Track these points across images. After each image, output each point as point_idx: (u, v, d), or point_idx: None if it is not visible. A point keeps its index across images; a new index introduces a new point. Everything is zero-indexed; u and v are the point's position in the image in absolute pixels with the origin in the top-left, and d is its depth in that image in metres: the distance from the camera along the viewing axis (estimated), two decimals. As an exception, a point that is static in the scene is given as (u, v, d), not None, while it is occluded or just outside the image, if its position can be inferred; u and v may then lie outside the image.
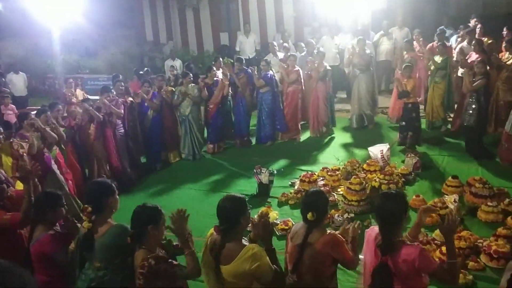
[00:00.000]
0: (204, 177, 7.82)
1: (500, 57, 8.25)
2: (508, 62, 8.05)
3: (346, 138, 9.32)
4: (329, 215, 5.92)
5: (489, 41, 9.48)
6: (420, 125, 8.22)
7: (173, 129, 8.83)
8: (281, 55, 10.41)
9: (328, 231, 3.20)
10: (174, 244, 3.22)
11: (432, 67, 8.98)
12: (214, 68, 9.31)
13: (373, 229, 3.07)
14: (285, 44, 11.17)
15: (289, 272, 3.20)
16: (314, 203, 3.13)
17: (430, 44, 9.98)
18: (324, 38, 11.61)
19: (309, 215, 3.08)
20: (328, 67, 9.37)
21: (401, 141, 8.17)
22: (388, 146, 7.53)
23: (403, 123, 8.12)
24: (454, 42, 10.21)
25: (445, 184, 6.46)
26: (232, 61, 9.99)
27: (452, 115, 9.13)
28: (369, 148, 7.65)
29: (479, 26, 10.42)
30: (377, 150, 7.41)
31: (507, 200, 5.82)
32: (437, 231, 5.07)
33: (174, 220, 2.98)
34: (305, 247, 3.10)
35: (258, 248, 2.88)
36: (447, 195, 6.07)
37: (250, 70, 9.15)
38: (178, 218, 2.98)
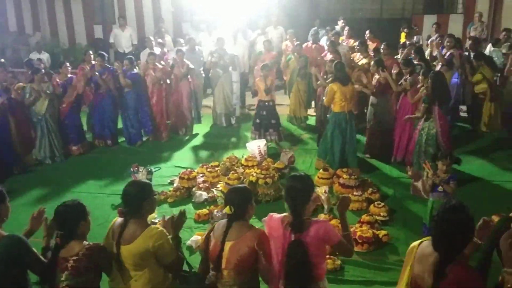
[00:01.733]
0: (78, 179, 7.35)
1: (352, 57, 8.99)
2: (359, 63, 8.77)
3: (217, 136, 9.36)
4: (208, 211, 5.98)
5: (355, 43, 10.26)
6: (278, 121, 8.52)
7: (26, 131, 8.02)
8: (157, 50, 10.17)
9: (257, 227, 3.15)
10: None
11: (292, 66, 9.48)
12: (68, 64, 8.73)
13: (272, 218, 3.14)
14: (160, 40, 10.94)
15: (211, 270, 3.12)
16: (233, 199, 3.07)
17: (305, 44, 10.50)
18: (202, 34, 11.61)
19: (226, 209, 3.05)
20: (191, 66, 9.33)
21: (258, 138, 8.28)
22: (265, 142, 7.77)
23: (258, 120, 8.36)
24: (324, 42, 10.84)
25: (317, 177, 6.84)
26: (106, 55, 9.51)
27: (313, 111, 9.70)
28: (247, 144, 7.81)
29: (346, 28, 11.24)
30: (255, 146, 7.60)
31: (371, 189, 6.35)
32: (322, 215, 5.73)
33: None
34: (224, 242, 3.04)
35: (162, 229, 3.01)
36: (318, 186, 6.42)
37: (112, 68, 8.80)
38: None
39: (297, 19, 14.09)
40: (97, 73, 8.56)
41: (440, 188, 4.94)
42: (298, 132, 9.32)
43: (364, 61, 8.76)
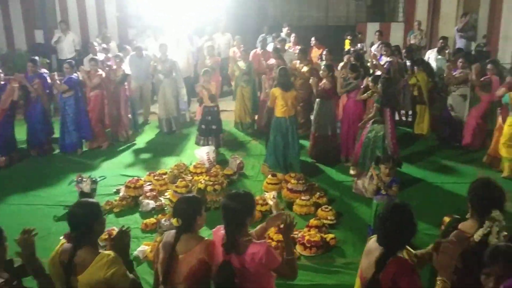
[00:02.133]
0: (15, 191, 6.98)
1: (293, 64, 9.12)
2: (302, 70, 8.93)
3: (163, 142, 9.19)
4: (155, 220, 5.86)
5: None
6: (221, 127, 8.50)
7: None
8: (102, 56, 9.91)
9: (206, 238, 3.04)
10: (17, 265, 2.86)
11: (236, 72, 9.52)
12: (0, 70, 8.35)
13: (217, 232, 3.07)
14: (104, 45, 10.67)
15: (161, 283, 2.99)
16: (181, 210, 2.97)
17: (253, 51, 10.56)
18: (148, 40, 11.43)
19: (174, 221, 2.95)
20: (128, 72, 9.17)
21: (203, 142, 8.21)
22: (213, 148, 7.72)
23: (203, 126, 8.33)
24: (271, 49, 10.93)
25: (265, 182, 6.87)
26: (48, 61, 9.18)
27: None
28: (196, 151, 7.74)
29: (293, 35, 11.42)
30: (203, 152, 7.53)
31: (318, 193, 6.45)
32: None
33: (21, 242, 2.78)
34: (173, 256, 2.92)
35: (114, 255, 2.75)
36: (267, 192, 6.45)
37: (45, 74, 8.49)
38: (26, 239, 2.78)
39: (245, 26, 14.18)
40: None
41: (383, 191, 5.09)
42: (246, 138, 9.33)
43: (305, 68, 8.91)
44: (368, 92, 7.02)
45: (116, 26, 14.08)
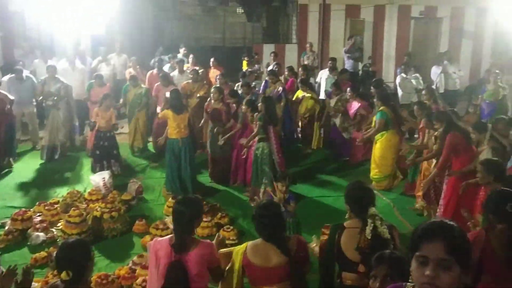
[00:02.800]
0: None
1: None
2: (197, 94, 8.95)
3: (53, 170, 8.55)
4: (47, 253, 5.44)
5: (200, 70, 10.48)
6: (119, 151, 8.32)
7: None
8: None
9: None
10: None
11: (131, 94, 9.30)
12: None
13: (158, 240, 3.28)
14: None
15: None
16: (69, 259, 2.61)
17: (150, 72, 10.38)
18: (37, 61, 10.78)
19: (63, 275, 2.55)
20: (11, 97, 8.48)
21: (100, 170, 7.92)
22: (110, 173, 7.41)
23: (98, 151, 8.07)
24: (167, 69, 10.86)
25: (166, 205, 6.72)
26: None
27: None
28: (91, 177, 7.37)
29: (191, 56, 11.44)
30: (99, 178, 7.19)
31: (219, 214, 6.44)
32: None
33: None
34: None
35: None
36: (168, 216, 6.32)
37: None
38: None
39: (141, 46, 13.94)
40: None
41: (282, 208, 5.21)
42: (143, 161, 9.07)
43: (199, 89, 8.98)
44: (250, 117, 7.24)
45: (0, 47, 13.09)
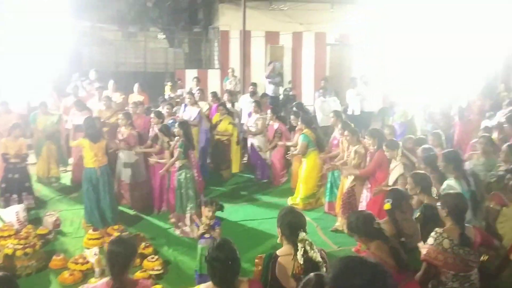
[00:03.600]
0: None
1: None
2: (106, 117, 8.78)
3: None
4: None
5: (122, 96, 10.26)
6: (30, 183, 7.94)
7: None
8: None
9: None
10: None
11: (40, 126, 8.95)
12: None
13: (96, 285, 3.13)
14: None
15: None
16: None
17: (65, 98, 10.00)
18: None
19: None
20: None
21: (6, 204, 7.49)
22: (23, 207, 6.97)
23: (4, 185, 7.63)
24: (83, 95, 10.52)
25: (86, 238, 6.42)
26: None
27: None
28: (1, 212, 6.89)
29: (111, 81, 11.16)
30: (12, 212, 6.74)
31: (143, 244, 6.24)
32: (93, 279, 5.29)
33: None
34: None
35: None
36: (88, 248, 6.03)
37: None
38: None
39: (57, 71, 13.38)
40: None
41: (207, 234, 5.17)
42: (59, 192, 8.65)
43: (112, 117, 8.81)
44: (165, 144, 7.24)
45: None
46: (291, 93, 13.42)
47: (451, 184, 4.85)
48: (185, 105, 9.56)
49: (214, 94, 10.45)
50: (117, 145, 7.70)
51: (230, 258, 2.86)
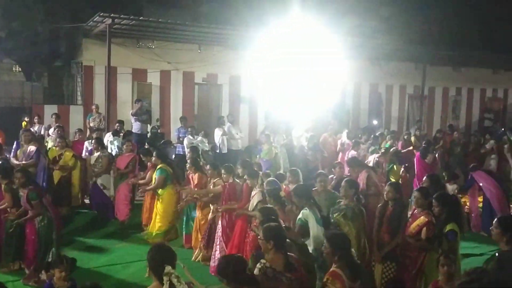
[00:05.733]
0: None
1: None
2: None
3: None
4: None
5: None
6: None
7: None
8: None
9: None
10: None
11: None
12: None
13: None
14: None
15: None
16: None
17: None
18: None
19: None
20: None
21: None
22: None
23: None
24: None
25: None
26: None
27: None
28: None
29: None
30: None
31: None
32: None
33: None
34: None
35: None
36: None
37: None
38: None
39: None
40: None
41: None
42: None
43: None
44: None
45: None
46: (159, 131, 13.31)
47: (305, 212, 5.26)
48: (18, 142, 8.81)
49: (79, 130, 9.96)
50: None
51: None
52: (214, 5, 16.55)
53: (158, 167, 7.97)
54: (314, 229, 5.07)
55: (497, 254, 4.10)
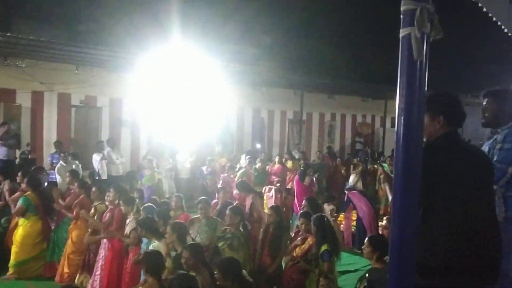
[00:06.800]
0: None
1: None
2: None
3: None
4: None
5: None
6: None
7: None
8: None
9: None
10: None
11: None
12: None
13: None
14: None
15: None
16: None
17: None
18: None
19: None
20: None
21: None
22: None
23: None
24: None
25: None
26: None
27: None
28: None
29: None
30: None
31: None
32: None
33: None
34: None
35: None
36: None
37: None
38: None
39: None
40: None
41: None
42: None
43: None
44: None
45: None
46: (29, 156, 12.25)
47: (155, 245, 5.21)
48: None
49: None
50: None
51: None
52: (92, 25, 15.91)
53: (24, 194, 7.47)
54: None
55: (367, 275, 4.36)
